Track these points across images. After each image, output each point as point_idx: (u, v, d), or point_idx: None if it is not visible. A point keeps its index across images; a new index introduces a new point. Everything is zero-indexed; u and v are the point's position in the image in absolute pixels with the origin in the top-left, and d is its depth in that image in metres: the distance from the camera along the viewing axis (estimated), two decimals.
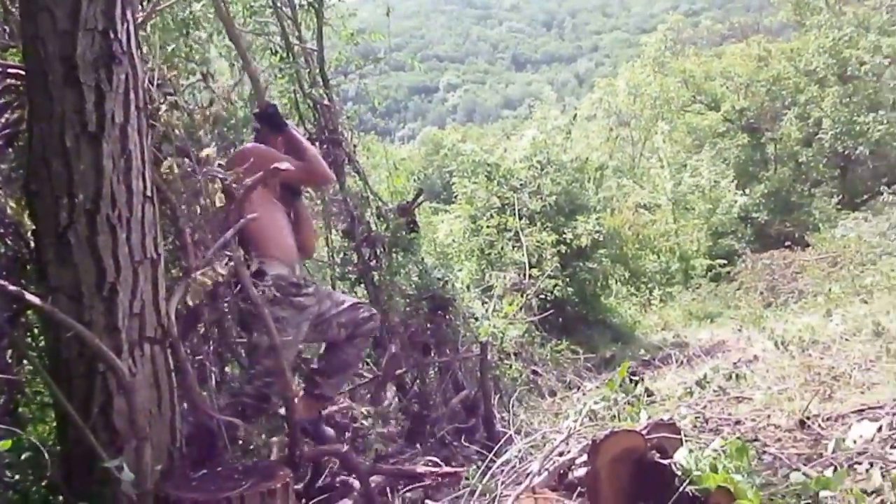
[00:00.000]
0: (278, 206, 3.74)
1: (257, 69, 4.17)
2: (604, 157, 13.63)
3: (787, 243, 14.78)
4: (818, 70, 19.78)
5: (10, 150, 3.06)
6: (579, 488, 2.48)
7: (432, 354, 5.61)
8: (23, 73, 2.79)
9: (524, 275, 8.77)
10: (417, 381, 5.42)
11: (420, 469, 3.53)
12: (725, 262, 15.26)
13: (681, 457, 2.30)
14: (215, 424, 2.95)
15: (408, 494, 3.38)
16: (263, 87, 4.14)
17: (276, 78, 5.10)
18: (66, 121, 2.49)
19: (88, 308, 2.55)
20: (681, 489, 2.21)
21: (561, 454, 2.80)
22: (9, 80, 2.91)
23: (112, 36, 2.54)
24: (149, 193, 2.68)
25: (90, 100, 2.51)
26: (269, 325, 3.06)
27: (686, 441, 2.49)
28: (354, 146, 5.31)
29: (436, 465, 3.62)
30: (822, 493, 2.89)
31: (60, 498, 2.71)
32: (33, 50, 2.51)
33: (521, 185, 10.58)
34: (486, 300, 7.72)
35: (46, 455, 2.74)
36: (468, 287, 7.54)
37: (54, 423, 3.13)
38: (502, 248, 9.56)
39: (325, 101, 5.05)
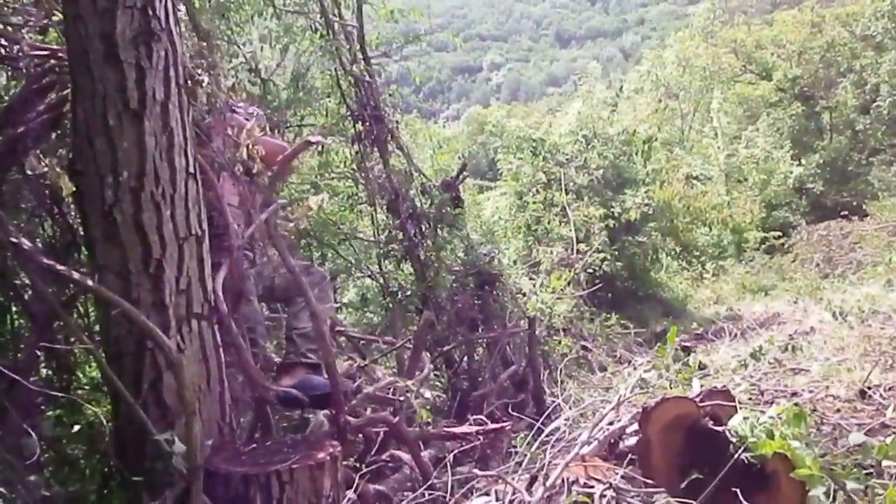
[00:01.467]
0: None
1: None
2: (652, 130, 13.34)
3: (844, 213, 14.38)
4: (875, 35, 19.11)
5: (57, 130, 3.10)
6: (630, 457, 2.44)
7: (480, 330, 5.58)
8: (65, 55, 2.82)
9: (572, 250, 8.68)
10: (465, 357, 5.41)
11: (467, 428, 3.49)
12: (780, 234, 14.91)
13: (736, 423, 2.23)
14: (273, 397, 2.97)
15: (458, 468, 3.36)
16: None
17: (317, 55, 5.09)
18: (109, 99, 2.51)
19: (136, 285, 2.58)
20: (736, 456, 2.15)
21: (611, 423, 2.75)
22: (52, 61, 2.93)
23: (151, 13, 2.54)
24: (191, 170, 2.69)
25: (131, 77, 2.52)
26: (307, 293, 3.05)
27: (741, 408, 2.42)
28: (397, 123, 5.28)
29: (482, 423, 3.57)
30: (886, 463, 2.81)
31: (114, 471, 2.75)
32: (74, 30, 2.52)
33: (567, 159, 10.44)
34: (534, 276, 7.65)
35: (105, 428, 2.82)
36: (515, 263, 7.47)
37: (107, 403, 3.21)
38: (549, 224, 9.46)
39: (367, 78, 5.03)
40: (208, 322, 2.78)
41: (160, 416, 2.59)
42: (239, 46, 5.40)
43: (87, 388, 3.28)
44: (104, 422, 2.64)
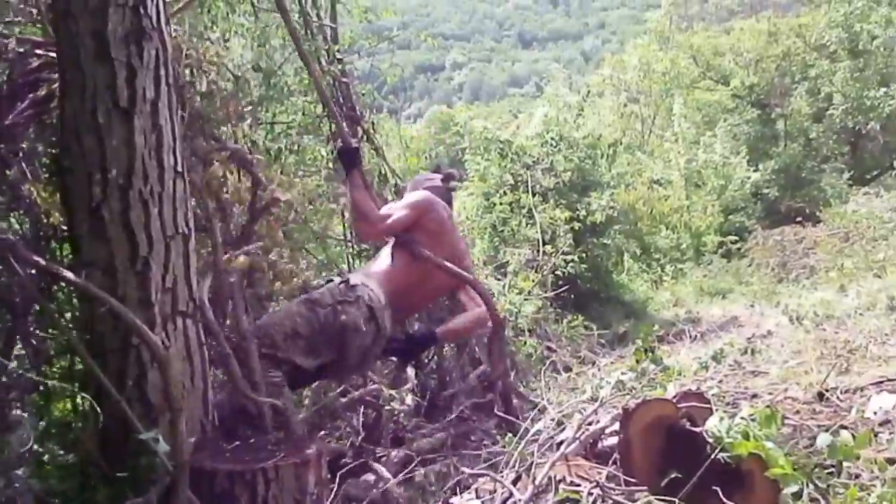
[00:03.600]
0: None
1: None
2: (617, 134, 13.55)
3: (798, 219, 14.74)
4: (829, 44, 19.59)
5: (36, 127, 3.09)
6: (612, 456, 2.52)
7: None
8: (52, 50, 2.81)
9: (538, 251, 8.77)
10: (435, 356, 5.46)
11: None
12: (737, 238, 15.22)
13: (712, 425, 2.33)
14: (259, 407, 2.98)
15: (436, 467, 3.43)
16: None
17: (292, 54, 5.09)
18: (98, 97, 2.52)
19: (122, 283, 2.59)
20: (713, 456, 2.24)
21: (590, 424, 2.83)
22: (38, 55, 2.92)
23: (142, 11, 2.56)
24: (179, 169, 2.71)
25: (121, 75, 2.53)
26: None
27: (715, 410, 2.52)
28: (373, 124, 5.31)
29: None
30: (846, 464, 2.93)
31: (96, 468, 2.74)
32: (64, 26, 2.53)
33: (533, 161, 10.54)
34: (500, 277, 7.73)
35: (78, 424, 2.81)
36: (485, 264, 7.55)
37: (77, 399, 3.20)
38: (517, 225, 9.56)
39: (343, 78, 5.05)
40: (193, 320, 2.79)
41: (143, 413, 2.60)
42: (212, 42, 5.37)
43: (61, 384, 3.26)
44: (93, 417, 2.63)
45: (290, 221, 4.02)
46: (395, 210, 3.70)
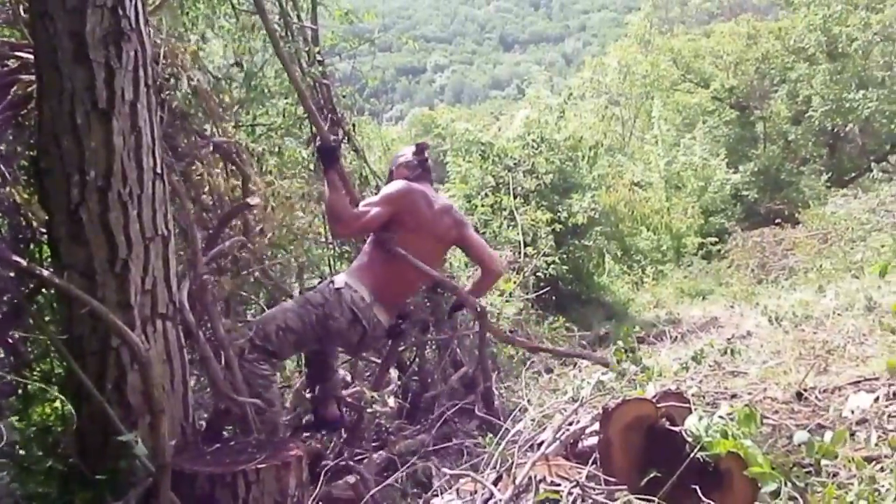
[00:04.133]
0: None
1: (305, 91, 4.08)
2: (597, 136, 13.61)
3: (777, 221, 14.86)
4: (808, 47, 19.77)
5: (14, 129, 3.06)
6: (592, 456, 2.53)
7: (431, 332, 5.63)
8: (30, 52, 2.79)
9: (520, 253, 8.78)
10: (416, 358, 5.46)
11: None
12: (716, 240, 15.32)
13: (691, 424, 2.34)
14: (242, 408, 2.98)
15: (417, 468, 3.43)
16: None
17: (273, 55, 5.07)
18: (77, 98, 2.51)
19: (101, 285, 2.58)
20: (692, 455, 2.25)
21: (570, 424, 2.84)
22: (15, 57, 2.89)
23: (121, 12, 2.55)
24: (159, 170, 2.70)
25: (100, 76, 2.52)
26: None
27: (694, 409, 2.53)
28: (353, 125, 5.30)
29: None
30: (824, 462, 2.96)
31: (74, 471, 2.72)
32: (42, 27, 2.51)
33: (515, 163, 10.57)
34: None
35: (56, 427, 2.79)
36: (466, 266, 7.54)
37: (55, 403, 3.17)
38: (498, 227, 9.57)
39: (324, 80, 5.04)
40: (173, 323, 2.78)
41: (123, 415, 2.59)
42: (191, 42, 5.35)
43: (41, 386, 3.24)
44: (71, 419, 2.61)
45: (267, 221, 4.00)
46: (371, 206, 3.77)
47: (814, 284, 9.16)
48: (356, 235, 3.94)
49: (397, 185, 3.89)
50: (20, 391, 2.99)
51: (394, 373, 4.99)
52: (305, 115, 5.04)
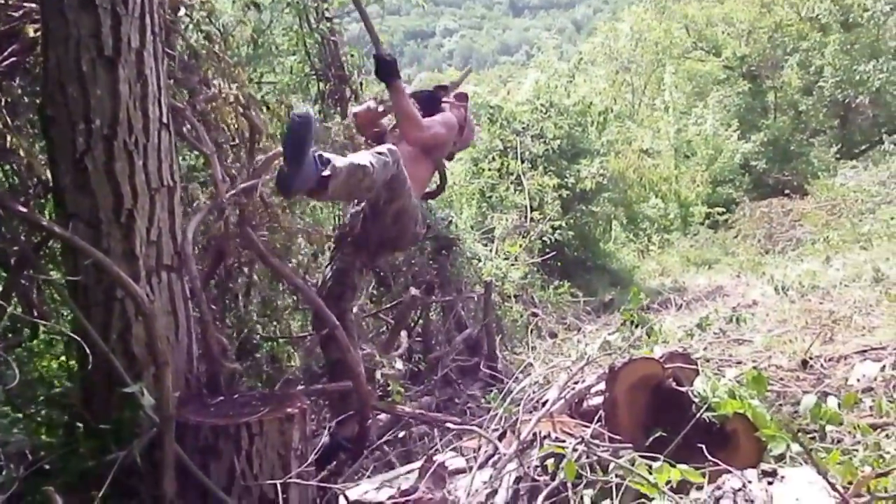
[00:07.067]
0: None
1: None
2: (607, 102, 13.50)
3: (786, 192, 14.78)
4: (821, 17, 19.49)
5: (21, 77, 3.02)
6: (597, 415, 2.52)
7: (436, 294, 5.63)
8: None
9: (526, 218, 8.76)
10: (421, 320, 5.46)
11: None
12: (724, 209, 15.25)
13: (699, 384, 2.33)
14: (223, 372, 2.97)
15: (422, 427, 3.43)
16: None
17: (281, 12, 5.01)
18: (82, 45, 2.46)
19: (106, 235, 2.55)
20: (699, 415, 2.25)
21: (575, 383, 2.84)
22: (18, 6, 2.84)
23: None
24: (165, 120, 2.66)
25: (106, 23, 2.47)
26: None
27: (702, 371, 2.52)
28: (361, 84, 5.25)
29: None
30: (829, 428, 2.96)
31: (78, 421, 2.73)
32: None
33: (523, 128, 10.49)
34: (488, 242, 7.72)
35: (63, 385, 2.79)
36: (472, 228, 7.51)
37: (61, 357, 3.18)
38: (505, 192, 9.53)
39: (332, 37, 4.98)
40: (178, 274, 2.76)
41: (128, 366, 2.58)
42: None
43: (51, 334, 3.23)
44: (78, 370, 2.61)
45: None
46: (435, 125, 3.93)
47: (821, 255, 9.15)
48: (422, 143, 3.93)
49: (452, 118, 4.11)
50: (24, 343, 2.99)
51: (403, 335, 4.98)
52: (314, 74, 5.00)
